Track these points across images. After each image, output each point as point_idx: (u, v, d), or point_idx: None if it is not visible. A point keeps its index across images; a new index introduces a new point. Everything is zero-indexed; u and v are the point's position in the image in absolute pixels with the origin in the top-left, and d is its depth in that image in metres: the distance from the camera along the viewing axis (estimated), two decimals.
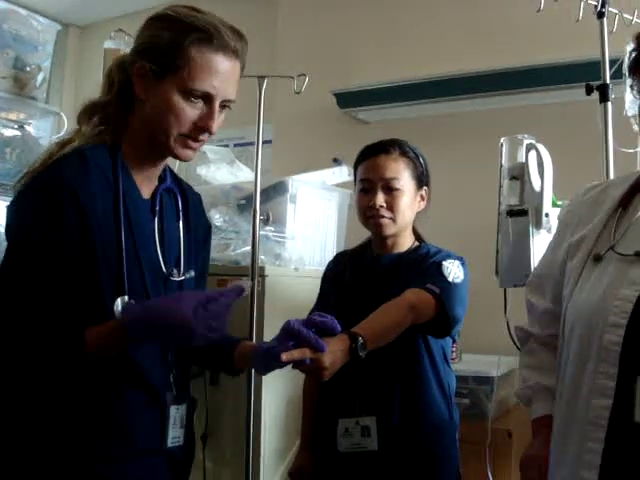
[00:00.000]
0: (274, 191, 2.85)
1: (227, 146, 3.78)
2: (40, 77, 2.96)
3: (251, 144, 2.61)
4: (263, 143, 2.59)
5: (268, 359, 1.36)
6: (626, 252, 1.22)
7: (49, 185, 1.24)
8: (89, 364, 1.22)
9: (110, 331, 1.21)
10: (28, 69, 2.90)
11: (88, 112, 1.37)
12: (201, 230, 1.54)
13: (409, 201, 1.90)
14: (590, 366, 1.17)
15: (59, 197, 1.23)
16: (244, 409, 2.47)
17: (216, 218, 2.86)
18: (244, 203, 2.86)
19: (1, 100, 2.87)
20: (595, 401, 1.15)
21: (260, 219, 2.54)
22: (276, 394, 2.62)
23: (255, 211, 2.50)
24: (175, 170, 2.70)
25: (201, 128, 1.32)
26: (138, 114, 1.34)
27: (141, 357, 1.30)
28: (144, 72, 1.30)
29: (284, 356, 1.33)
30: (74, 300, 1.23)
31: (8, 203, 1.30)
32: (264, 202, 2.70)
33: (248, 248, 2.60)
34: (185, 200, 1.49)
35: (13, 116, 3.00)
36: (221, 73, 1.30)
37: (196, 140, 1.34)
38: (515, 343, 1.69)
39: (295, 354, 1.36)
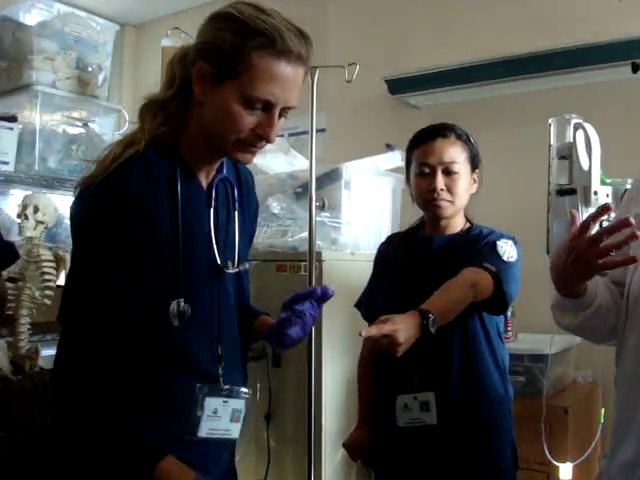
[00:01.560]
0: (329, 178, 2.91)
1: (282, 136, 3.85)
2: (101, 76, 3.06)
3: (305, 133, 2.67)
4: (317, 132, 2.64)
5: (279, 332, 1.40)
6: None
7: (118, 198, 1.24)
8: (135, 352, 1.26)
9: None
10: (90, 69, 3.00)
11: (151, 109, 1.34)
12: (253, 211, 1.55)
13: (466, 184, 1.95)
14: None
15: (130, 212, 1.23)
16: (305, 390, 2.55)
17: (274, 206, 2.94)
18: (300, 191, 2.93)
19: (66, 100, 2.98)
20: None
21: (316, 205, 2.60)
22: (336, 375, 2.68)
23: (311, 198, 2.56)
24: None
25: (259, 136, 1.28)
26: (196, 115, 1.31)
27: (189, 346, 1.33)
28: (203, 74, 1.26)
29: (363, 332, 1.40)
30: (137, 303, 1.26)
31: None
32: (319, 189, 2.76)
33: (305, 234, 2.66)
34: (240, 186, 1.48)
35: (77, 115, 3.09)
36: (283, 80, 1.24)
37: (255, 146, 1.31)
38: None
39: (373, 330, 1.43)
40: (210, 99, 1.27)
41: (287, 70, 1.24)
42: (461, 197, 1.94)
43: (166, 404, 1.31)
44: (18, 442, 2.12)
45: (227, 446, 1.45)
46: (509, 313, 2.57)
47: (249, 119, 1.25)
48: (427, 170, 1.93)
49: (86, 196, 1.27)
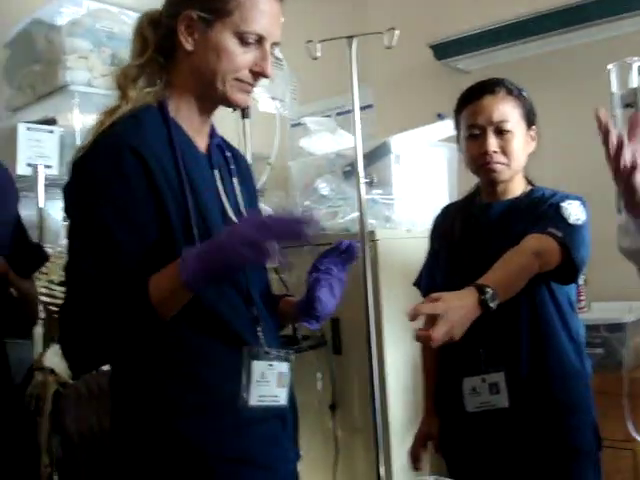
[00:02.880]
0: (377, 154, 2.79)
1: (329, 116, 3.75)
2: None
3: (352, 111, 2.56)
4: (364, 108, 2.54)
5: (309, 299, 1.33)
6: None
7: (109, 147, 1.20)
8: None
9: (166, 273, 1.14)
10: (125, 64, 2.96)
11: (130, 76, 1.32)
12: (252, 190, 1.51)
13: (521, 143, 1.79)
14: None
15: (121, 155, 1.19)
16: (369, 377, 2.45)
17: (322, 187, 2.85)
18: (349, 169, 2.82)
19: (104, 97, 2.92)
20: None
21: (365, 183, 2.49)
22: (400, 359, 2.58)
23: (358, 175, 2.46)
24: (277, 143, 2.74)
25: (257, 73, 1.30)
26: (184, 68, 1.31)
27: (222, 308, 1.25)
28: (191, 22, 1.27)
29: (411, 312, 1.29)
30: (148, 258, 1.18)
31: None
32: (368, 166, 2.65)
33: (356, 214, 2.55)
34: (235, 159, 1.46)
35: None
36: (270, 14, 1.29)
37: (251, 85, 1.32)
38: None
39: (425, 308, 1.32)
40: (202, 45, 1.28)
41: (272, 5, 1.30)
42: (517, 158, 1.78)
43: (206, 373, 1.24)
44: (75, 446, 2.09)
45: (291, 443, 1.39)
46: (581, 281, 2.40)
47: (245, 56, 1.28)
48: (477, 132, 1.78)
49: (80, 164, 1.23)
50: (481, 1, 3.37)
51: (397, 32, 2.30)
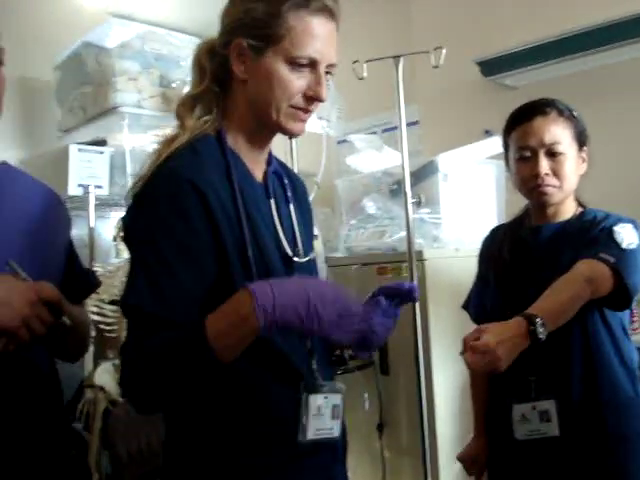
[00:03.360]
0: (425, 172, 2.78)
1: (375, 133, 3.75)
2: (186, 91, 3.04)
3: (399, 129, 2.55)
4: (411, 124, 2.53)
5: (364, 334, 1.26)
6: None
7: (168, 180, 1.19)
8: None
9: (229, 317, 1.09)
10: (174, 85, 2.99)
11: (188, 105, 1.31)
12: (307, 210, 1.48)
13: (573, 165, 1.75)
14: None
15: (181, 191, 1.17)
16: (417, 398, 2.42)
17: (369, 206, 2.84)
18: (396, 188, 2.81)
19: (153, 118, 2.96)
20: None
21: (412, 202, 2.47)
22: (449, 380, 2.55)
23: (406, 194, 2.44)
24: (323, 163, 2.73)
25: (311, 97, 1.26)
26: (239, 97, 1.29)
27: (279, 342, 1.22)
28: (242, 50, 1.25)
29: (464, 348, 1.28)
30: (208, 294, 1.16)
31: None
32: (416, 184, 2.64)
33: (404, 233, 2.54)
34: (292, 183, 1.43)
35: (166, 132, 3.09)
36: (322, 36, 1.24)
37: (307, 111, 1.28)
38: None
39: (475, 343, 1.30)
40: (254, 73, 1.26)
41: (324, 26, 1.25)
42: (569, 180, 1.74)
43: (264, 410, 1.22)
44: (124, 466, 2.11)
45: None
46: (634, 303, 2.33)
47: (298, 82, 1.25)
48: (528, 154, 1.75)
49: (141, 196, 1.22)
50: (527, 18, 3.33)
51: (444, 51, 2.29)
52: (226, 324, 1.09)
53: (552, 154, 1.73)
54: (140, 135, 2.98)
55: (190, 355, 1.10)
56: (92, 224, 2.62)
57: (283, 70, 1.23)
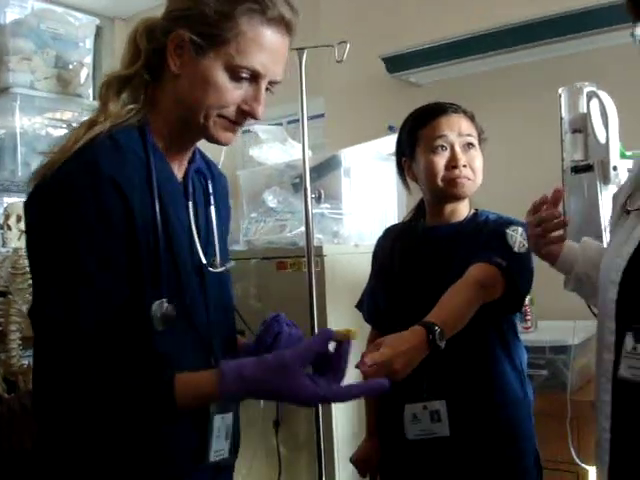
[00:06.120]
0: (327, 166, 2.76)
1: (280, 124, 3.70)
2: (84, 74, 2.91)
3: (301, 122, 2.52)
4: (316, 117, 2.49)
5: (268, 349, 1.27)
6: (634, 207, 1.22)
7: (87, 174, 1.08)
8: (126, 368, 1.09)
9: (201, 389, 1.07)
10: (70, 67, 2.87)
11: (114, 87, 1.19)
12: (226, 214, 1.41)
13: (481, 161, 1.77)
14: (601, 320, 1.23)
15: (102, 189, 1.07)
16: None
17: (270, 200, 2.80)
18: (298, 182, 2.77)
19: (47, 100, 2.84)
20: (604, 355, 1.19)
21: (312, 197, 2.45)
22: (345, 377, 2.54)
23: (306, 189, 2.41)
24: (224, 152, 2.67)
25: (246, 112, 1.17)
26: (169, 90, 1.18)
27: (177, 355, 1.16)
28: (182, 43, 1.14)
29: (360, 364, 1.27)
30: (119, 301, 1.10)
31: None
32: (318, 178, 2.62)
33: (304, 228, 2.51)
34: (214, 182, 1.34)
35: (61, 116, 2.96)
36: (273, 50, 1.16)
37: (238, 124, 1.20)
38: (591, 309, 1.57)
39: (371, 357, 1.27)
40: (189, 70, 1.15)
41: (276, 39, 1.16)
42: (479, 175, 1.76)
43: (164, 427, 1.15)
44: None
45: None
46: (527, 301, 2.38)
47: (235, 92, 1.16)
48: (445, 145, 1.73)
49: (45, 187, 1.10)
50: (433, 16, 3.35)
51: (348, 46, 2.27)
52: (192, 397, 1.07)
53: (466, 148, 1.74)
54: (33, 118, 2.87)
55: (154, 410, 1.07)
56: None
57: (221, 77, 1.14)
